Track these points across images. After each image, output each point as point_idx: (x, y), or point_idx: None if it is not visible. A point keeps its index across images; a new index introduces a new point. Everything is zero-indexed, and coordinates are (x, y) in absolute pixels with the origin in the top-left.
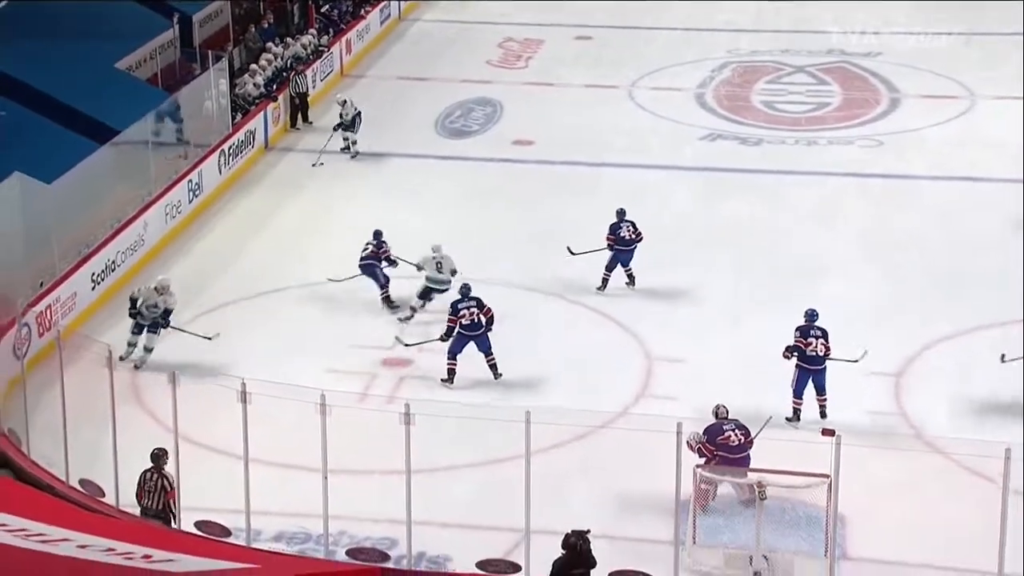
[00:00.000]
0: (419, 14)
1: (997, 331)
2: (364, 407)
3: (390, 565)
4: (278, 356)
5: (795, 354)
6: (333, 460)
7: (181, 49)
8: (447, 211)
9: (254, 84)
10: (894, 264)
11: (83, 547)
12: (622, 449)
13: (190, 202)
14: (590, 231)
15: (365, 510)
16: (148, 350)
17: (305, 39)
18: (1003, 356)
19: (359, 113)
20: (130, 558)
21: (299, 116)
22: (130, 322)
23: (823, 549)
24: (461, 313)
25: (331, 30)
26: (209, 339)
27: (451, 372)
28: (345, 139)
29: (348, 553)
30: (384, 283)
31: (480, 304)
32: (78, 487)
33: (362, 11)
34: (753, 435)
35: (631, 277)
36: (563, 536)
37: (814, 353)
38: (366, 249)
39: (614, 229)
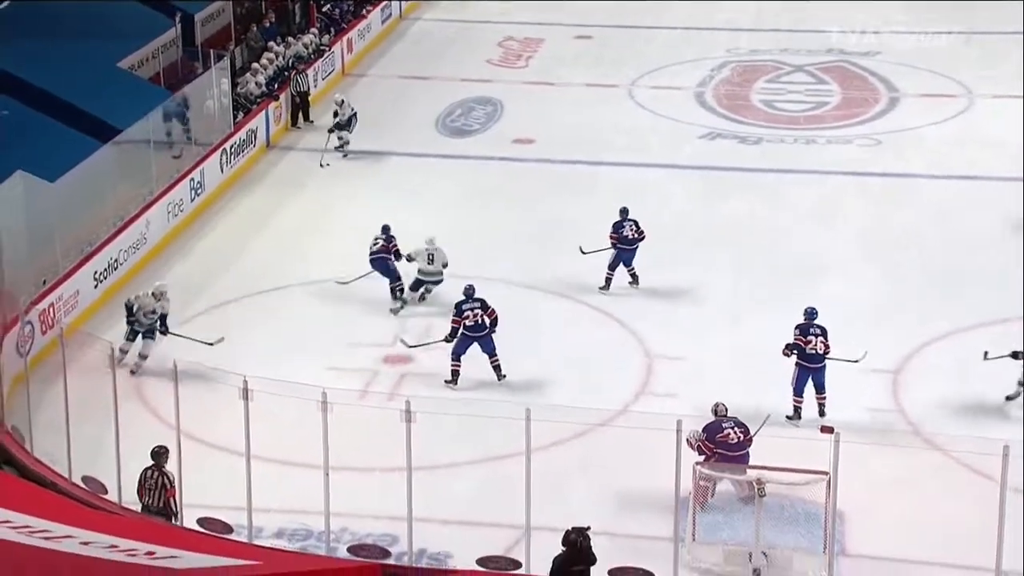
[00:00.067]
0: (420, 13)
1: (995, 329)
2: (365, 404)
3: (391, 562)
4: (279, 354)
5: (795, 352)
6: (334, 457)
7: (183, 48)
8: (448, 210)
9: (256, 83)
10: (892, 262)
11: (86, 544)
12: (622, 446)
13: (192, 201)
14: (590, 230)
15: (366, 507)
16: (144, 357)
17: (306, 38)
18: (986, 353)
19: (355, 114)
20: (133, 555)
21: (300, 115)
22: (125, 328)
23: (822, 545)
24: (465, 314)
25: (332, 29)
26: (211, 344)
27: (455, 374)
28: (340, 138)
29: (349, 550)
30: (396, 277)
31: (484, 305)
32: (81, 484)
33: (363, 10)
34: (752, 433)
35: (634, 276)
36: (563, 533)
37: (813, 351)
38: (376, 243)
39: (617, 228)
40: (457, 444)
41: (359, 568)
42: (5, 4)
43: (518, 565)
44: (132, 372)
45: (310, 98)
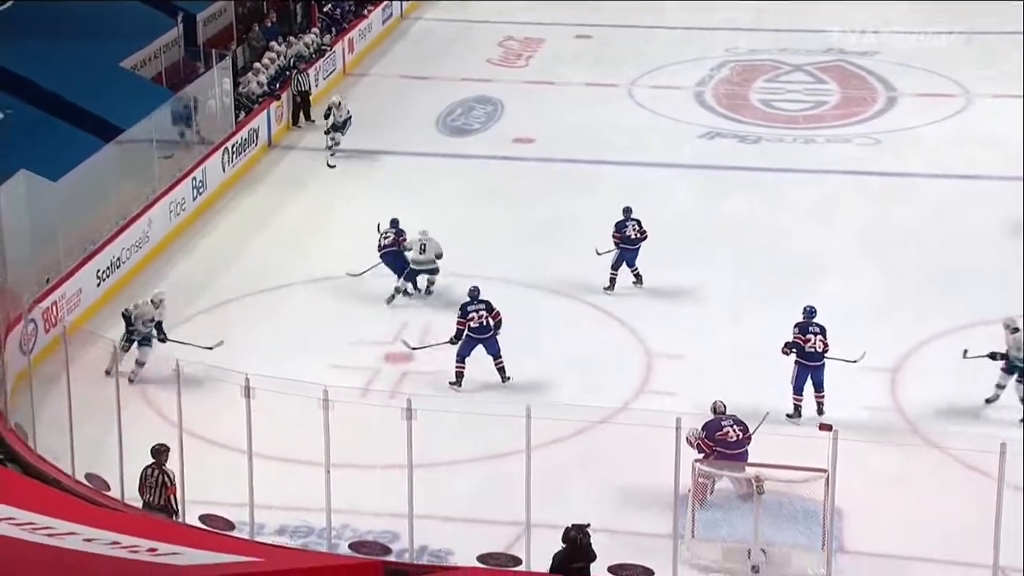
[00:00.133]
0: (421, 13)
1: (993, 327)
2: (366, 402)
3: (392, 558)
4: (281, 352)
5: (794, 350)
6: (336, 455)
7: (185, 48)
8: (448, 209)
9: (257, 83)
10: (891, 261)
11: (89, 540)
12: (622, 444)
13: (194, 200)
14: (591, 229)
15: (367, 504)
16: (141, 364)
17: (308, 38)
18: (965, 352)
19: (350, 117)
20: (135, 551)
21: (301, 114)
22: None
23: (820, 542)
24: (470, 316)
25: (333, 29)
26: (210, 349)
27: (459, 375)
28: (332, 139)
29: (350, 547)
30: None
31: (489, 307)
32: (84, 481)
33: (364, 10)
34: (751, 431)
35: (638, 276)
36: (563, 530)
37: (813, 349)
38: (387, 237)
39: (620, 227)
40: (458, 442)
41: (360, 565)
42: (8, 4)
43: (518, 562)
44: (130, 380)
45: (311, 97)
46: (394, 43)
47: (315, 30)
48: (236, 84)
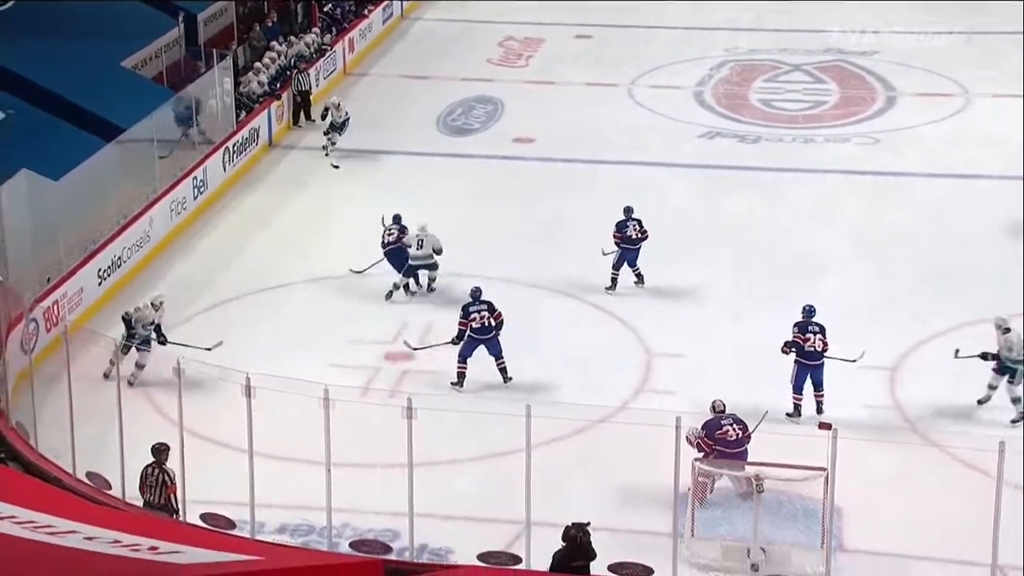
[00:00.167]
0: (421, 13)
1: (990, 326)
2: (367, 401)
3: (392, 557)
4: (282, 351)
5: (793, 350)
6: (336, 454)
7: (186, 47)
8: (448, 208)
9: (258, 82)
10: (890, 260)
11: (90, 539)
12: (622, 443)
13: (195, 199)
14: (591, 229)
15: (368, 503)
16: (140, 367)
17: (308, 38)
18: (956, 351)
19: (348, 119)
20: (136, 550)
21: (302, 114)
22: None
23: (820, 541)
24: (472, 317)
25: (334, 29)
26: (209, 350)
27: (461, 376)
28: (330, 140)
29: (351, 545)
30: (407, 272)
31: (491, 308)
32: (85, 480)
33: (365, 10)
34: (751, 430)
35: (639, 276)
36: (563, 528)
37: (812, 349)
38: (391, 234)
39: (621, 227)
40: (458, 441)
41: (361, 563)
42: (9, 4)
43: (518, 560)
44: (130, 383)
45: (312, 97)
46: (394, 43)
47: (316, 30)
48: (237, 84)
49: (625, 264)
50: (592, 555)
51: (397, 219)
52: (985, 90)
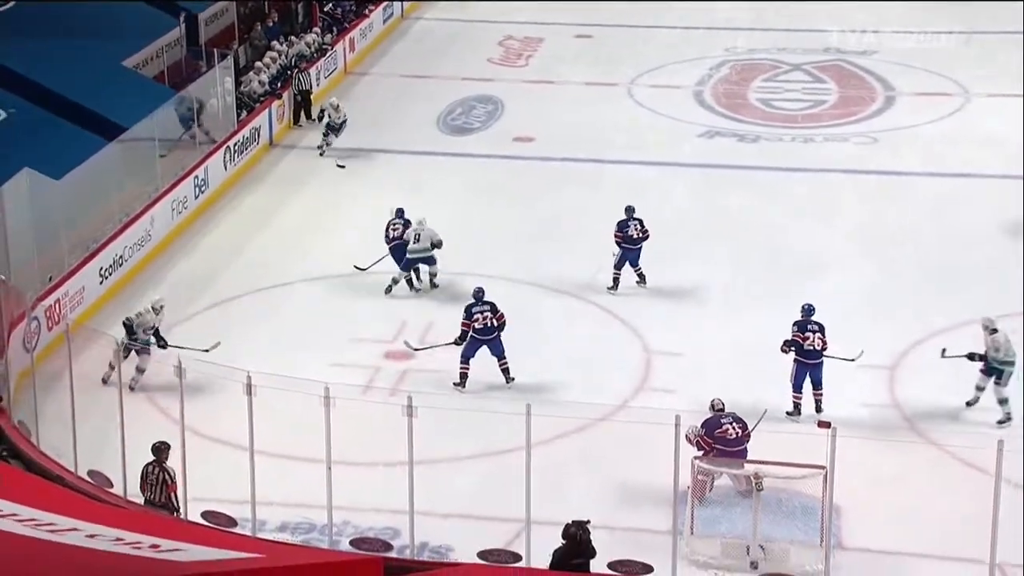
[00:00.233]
0: (421, 12)
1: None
2: (367, 400)
3: (393, 555)
4: (282, 350)
5: (792, 348)
6: (337, 452)
7: (187, 47)
8: (449, 207)
9: (259, 82)
10: (889, 259)
11: (91, 537)
12: (621, 442)
13: (196, 198)
14: (591, 228)
15: (368, 501)
16: (141, 371)
17: (309, 37)
18: (943, 351)
19: (345, 121)
20: (138, 547)
21: (302, 113)
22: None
23: (819, 538)
24: (475, 317)
25: (335, 28)
26: (207, 351)
27: (463, 376)
28: (327, 140)
29: (352, 543)
30: (410, 267)
31: (494, 308)
32: (86, 478)
33: (365, 10)
34: (750, 428)
35: (641, 276)
36: (563, 526)
37: (811, 347)
38: (396, 229)
39: (622, 227)
40: (458, 439)
41: (361, 561)
42: (11, 4)
43: (518, 558)
44: (131, 388)
45: (312, 96)
46: (395, 42)
47: (316, 29)
48: (238, 83)
49: (627, 264)
50: (592, 553)
51: (400, 213)
52: (983, 89)
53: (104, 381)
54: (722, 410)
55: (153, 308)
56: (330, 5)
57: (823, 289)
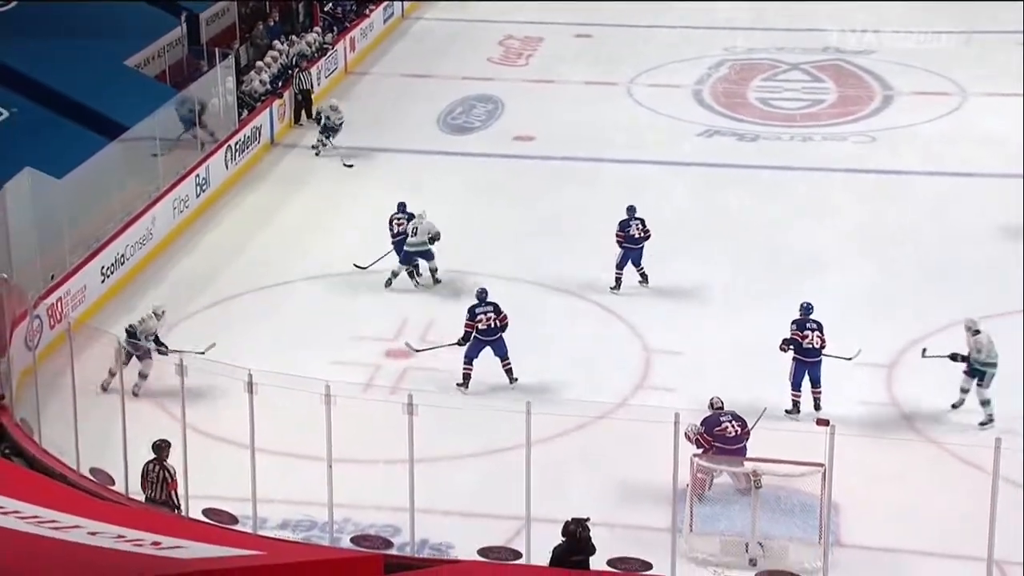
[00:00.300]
0: (422, 12)
1: (987, 323)
2: (368, 398)
3: (393, 552)
4: (283, 348)
5: (791, 347)
6: (338, 449)
7: (189, 47)
8: (449, 206)
9: (260, 81)
10: (887, 258)
11: (93, 534)
12: (621, 439)
13: (197, 197)
14: (591, 227)
15: (369, 498)
16: (144, 376)
17: (310, 37)
18: (924, 351)
19: (342, 124)
20: (139, 545)
21: (303, 112)
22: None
23: (817, 536)
24: (478, 318)
25: (335, 28)
26: (202, 353)
27: (466, 377)
28: (323, 141)
29: (352, 540)
30: (413, 262)
31: (497, 309)
32: (88, 475)
33: (366, 9)
34: (750, 426)
35: (644, 276)
36: (563, 524)
37: (810, 346)
38: (400, 224)
39: (623, 226)
40: (458, 437)
41: (362, 558)
42: (13, 3)
43: (518, 555)
44: (135, 394)
45: (313, 96)
46: (395, 42)
47: (317, 29)
48: (239, 82)
49: (629, 263)
50: (591, 550)
51: (403, 207)
52: (981, 89)
53: (104, 388)
54: (721, 408)
55: (155, 313)
56: (331, 5)
57: (821, 287)
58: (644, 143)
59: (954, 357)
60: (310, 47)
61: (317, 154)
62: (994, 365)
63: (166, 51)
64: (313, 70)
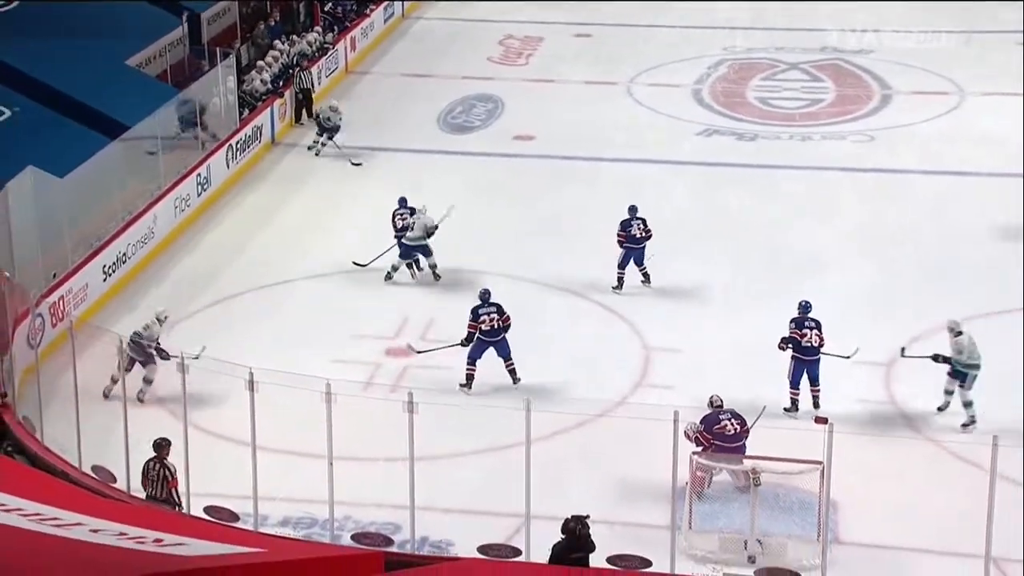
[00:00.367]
0: (422, 12)
1: (985, 321)
2: (368, 396)
3: (394, 549)
4: (284, 346)
5: (790, 346)
6: (338, 447)
7: (190, 46)
8: (449, 205)
9: (261, 80)
10: (885, 256)
11: (95, 531)
12: (621, 437)
13: (198, 196)
14: (591, 226)
15: (369, 496)
16: (149, 382)
17: (311, 36)
18: (903, 350)
19: (340, 126)
20: (141, 542)
21: (304, 112)
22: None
23: (815, 533)
24: (481, 319)
25: (336, 28)
26: (196, 358)
27: (470, 378)
28: (322, 142)
29: (353, 538)
30: (420, 255)
31: (500, 310)
32: (90, 473)
33: (366, 9)
34: (749, 424)
35: (646, 276)
36: (563, 521)
37: (809, 344)
38: (403, 218)
39: (625, 226)
40: (458, 435)
41: (362, 555)
42: (15, 3)
43: (518, 553)
44: (140, 400)
45: (313, 95)
46: (395, 42)
47: (318, 29)
48: (240, 82)
49: (632, 263)
50: (591, 547)
51: (403, 202)
52: (979, 88)
53: (106, 396)
54: (721, 406)
55: (158, 319)
56: (331, 4)
57: (820, 286)
58: (644, 142)
59: (936, 358)
60: (311, 47)
61: (316, 154)
62: (977, 367)
63: (167, 51)
64: (314, 70)
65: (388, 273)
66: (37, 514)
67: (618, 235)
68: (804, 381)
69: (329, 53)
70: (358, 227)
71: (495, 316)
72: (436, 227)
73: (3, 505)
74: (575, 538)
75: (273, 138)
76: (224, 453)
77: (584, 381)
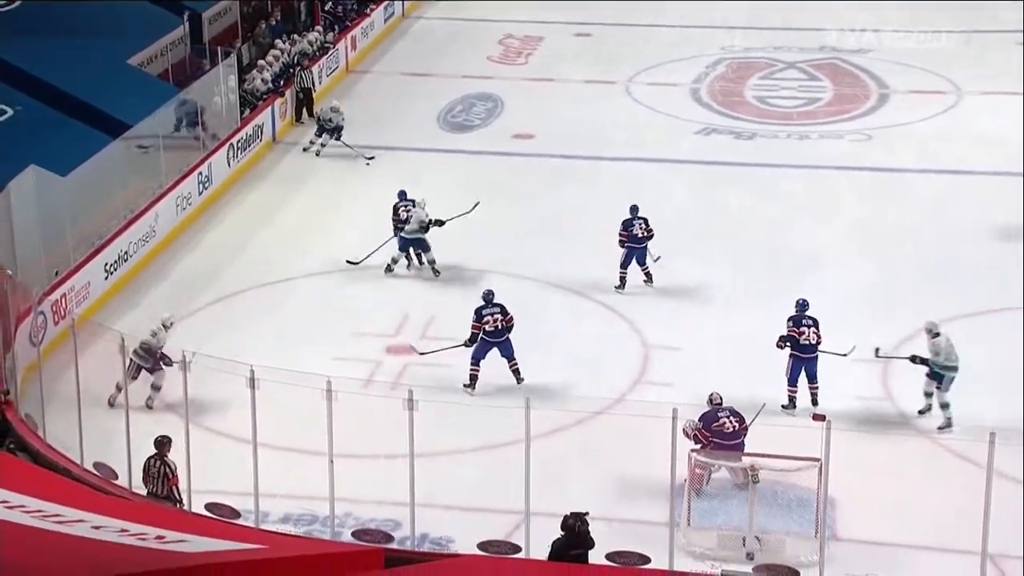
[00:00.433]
0: (422, 11)
1: (983, 320)
2: (369, 393)
3: (394, 546)
4: (285, 345)
5: (788, 344)
6: (339, 445)
7: (191, 45)
8: (449, 204)
9: (262, 79)
10: (883, 255)
11: (97, 528)
12: (620, 435)
13: (200, 195)
14: (590, 225)
15: (370, 493)
16: (157, 388)
17: (311, 36)
18: (877, 350)
19: (342, 126)
20: (143, 538)
21: (304, 111)
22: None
23: (813, 530)
24: (485, 320)
25: (336, 27)
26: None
27: (473, 378)
28: (322, 142)
29: (353, 534)
30: (418, 249)
31: (503, 311)
32: (92, 470)
33: (367, 8)
34: (747, 422)
35: (648, 275)
36: (562, 518)
37: (807, 342)
38: (406, 211)
39: (627, 226)
40: (458, 433)
41: (363, 552)
42: (17, 3)
43: (518, 549)
44: (149, 407)
45: (314, 94)
46: (396, 41)
47: (319, 28)
48: (241, 81)
49: (634, 262)
50: (590, 544)
51: (403, 195)
52: (976, 88)
53: (111, 404)
54: (719, 404)
55: (164, 325)
56: (332, 4)
57: (819, 284)
58: (643, 141)
59: (914, 360)
60: (311, 46)
61: (317, 154)
62: (954, 369)
63: (169, 50)
64: (314, 69)
65: (388, 265)
66: (39, 511)
67: (620, 235)
68: (802, 379)
69: (330, 52)
70: (359, 226)
71: (499, 316)
72: (432, 222)
73: (5, 502)
74: (574, 535)
75: (274, 137)
76: (225, 450)
77: (586, 380)
